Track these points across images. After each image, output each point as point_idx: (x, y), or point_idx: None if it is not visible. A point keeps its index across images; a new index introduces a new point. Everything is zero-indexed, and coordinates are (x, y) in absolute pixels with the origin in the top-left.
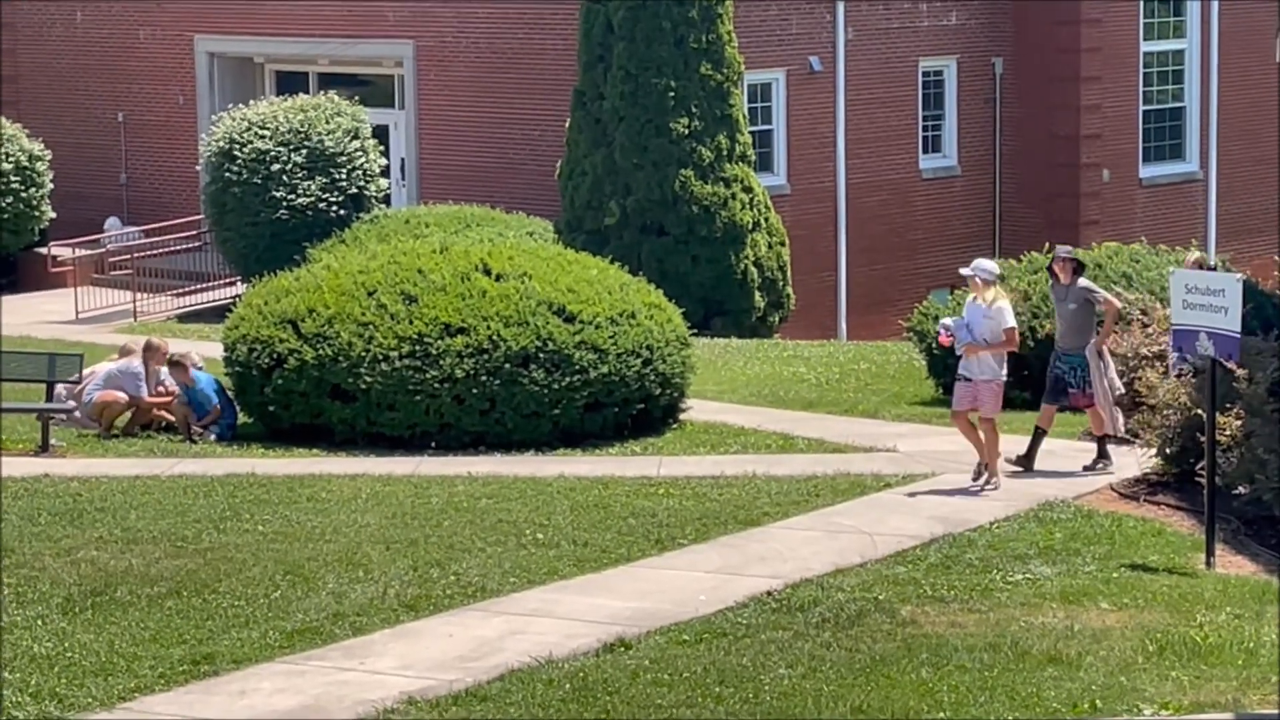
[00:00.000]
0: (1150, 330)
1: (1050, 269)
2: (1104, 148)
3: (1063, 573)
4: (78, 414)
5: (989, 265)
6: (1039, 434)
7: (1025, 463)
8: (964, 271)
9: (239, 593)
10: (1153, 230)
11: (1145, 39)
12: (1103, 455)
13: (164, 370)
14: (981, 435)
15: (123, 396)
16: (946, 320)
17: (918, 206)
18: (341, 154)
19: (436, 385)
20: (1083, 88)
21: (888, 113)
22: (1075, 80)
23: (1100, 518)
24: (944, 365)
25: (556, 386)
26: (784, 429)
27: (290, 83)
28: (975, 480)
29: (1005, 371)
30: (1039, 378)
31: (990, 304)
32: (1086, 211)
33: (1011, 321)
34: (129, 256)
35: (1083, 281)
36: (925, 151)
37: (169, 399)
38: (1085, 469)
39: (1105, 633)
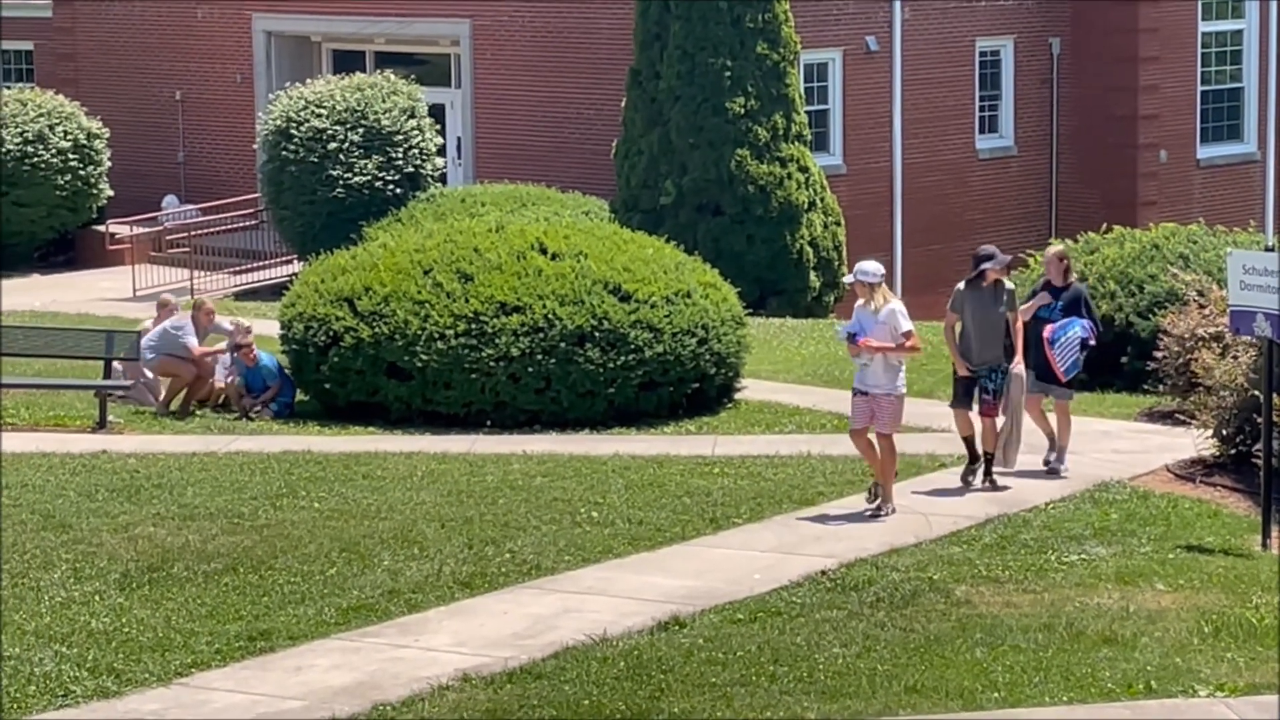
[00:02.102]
0: (1207, 311)
1: (981, 273)
2: (1162, 128)
3: (1118, 554)
4: (144, 375)
5: (870, 267)
6: (969, 443)
7: (987, 476)
8: (845, 278)
9: (295, 569)
10: (1210, 211)
11: (1204, 19)
12: (988, 473)
13: (212, 330)
14: (878, 451)
15: (187, 369)
16: (839, 326)
17: (974, 187)
18: (398, 133)
19: (492, 364)
20: (1141, 68)
21: (944, 93)
22: (1133, 60)
23: (1156, 499)
24: None
25: (612, 365)
26: (839, 409)
27: (347, 61)
28: (870, 501)
29: (904, 384)
30: (1096, 358)
31: (880, 308)
32: (1144, 192)
33: (907, 324)
34: (186, 234)
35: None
36: (982, 132)
37: (217, 351)
38: (962, 479)
39: (1160, 614)
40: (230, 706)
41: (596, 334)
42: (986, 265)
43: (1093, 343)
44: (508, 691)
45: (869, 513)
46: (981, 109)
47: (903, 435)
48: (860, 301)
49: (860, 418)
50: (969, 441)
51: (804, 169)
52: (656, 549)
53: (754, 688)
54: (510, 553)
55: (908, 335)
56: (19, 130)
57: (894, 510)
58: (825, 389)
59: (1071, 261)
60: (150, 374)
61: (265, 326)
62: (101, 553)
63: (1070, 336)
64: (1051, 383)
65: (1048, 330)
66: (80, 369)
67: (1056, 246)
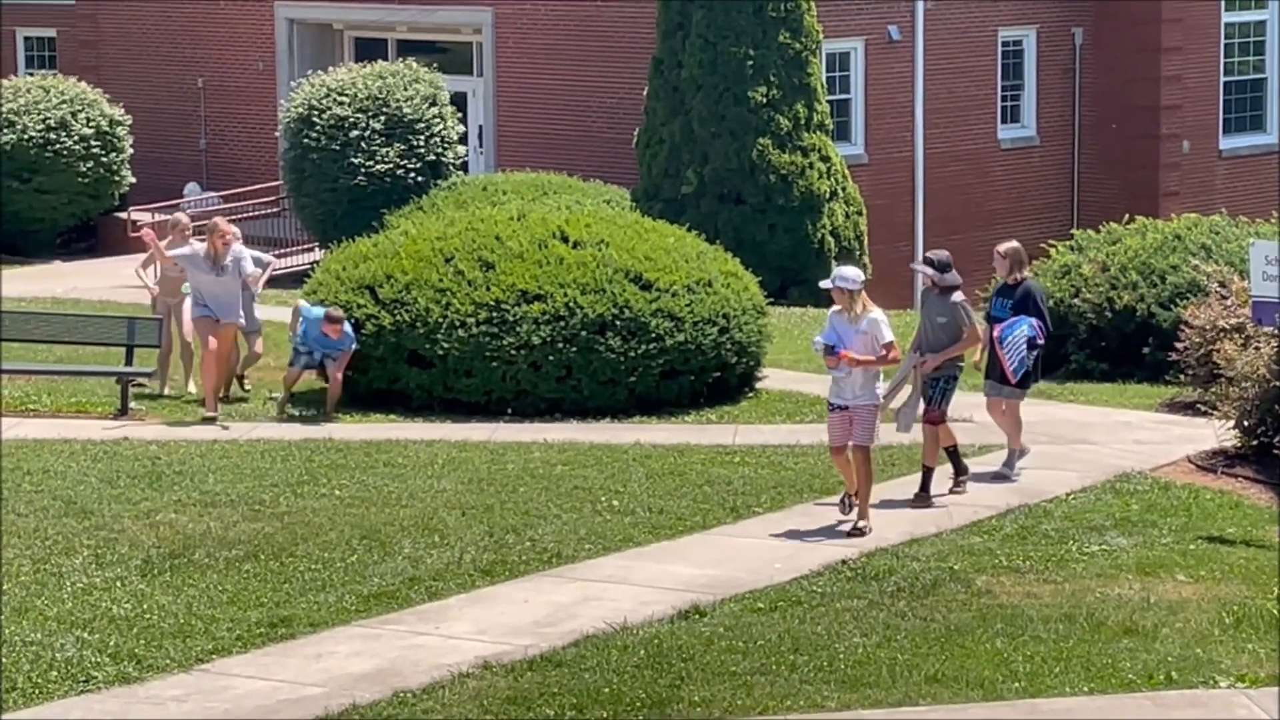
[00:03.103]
0: (1229, 302)
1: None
2: (1184, 119)
3: (1139, 544)
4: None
5: (850, 273)
6: (952, 455)
7: (922, 498)
8: (823, 284)
9: (316, 557)
10: (1232, 202)
11: (1226, 10)
12: (960, 470)
13: (229, 256)
14: (854, 465)
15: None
16: (819, 338)
17: (996, 177)
18: (420, 121)
19: (513, 352)
20: (1163, 58)
21: (966, 82)
22: (1156, 51)
23: (1177, 490)
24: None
25: (633, 354)
26: None
27: (369, 49)
28: (845, 513)
29: (881, 391)
30: (1117, 349)
31: (860, 317)
32: (1166, 183)
33: (889, 335)
34: (207, 221)
35: (956, 297)
36: (1004, 122)
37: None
38: (952, 491)
39: (1181, 604)
40: (251, 693)
41: (618, 322)
42: (925, 270)
43: (1041, 341)
44: (528, 679)
45: (849, 528)
46: (1004, 99)
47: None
48: (837, 309)
49: (839, 435)
50: (951, 453)
51: (826, 158)
52: (677, 538)
53: (774, 676)
54: (531, 541)
55: (889, 346)
56: (41, 117)
57: (870, 529)
58: None
59: (1024, 258)
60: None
61: (286, 314)
62: (123, 539)
63: (1016, 336)
64: (1004, 383)
65: (996, 330)
66: (102, 355)
67: (1006, 243)
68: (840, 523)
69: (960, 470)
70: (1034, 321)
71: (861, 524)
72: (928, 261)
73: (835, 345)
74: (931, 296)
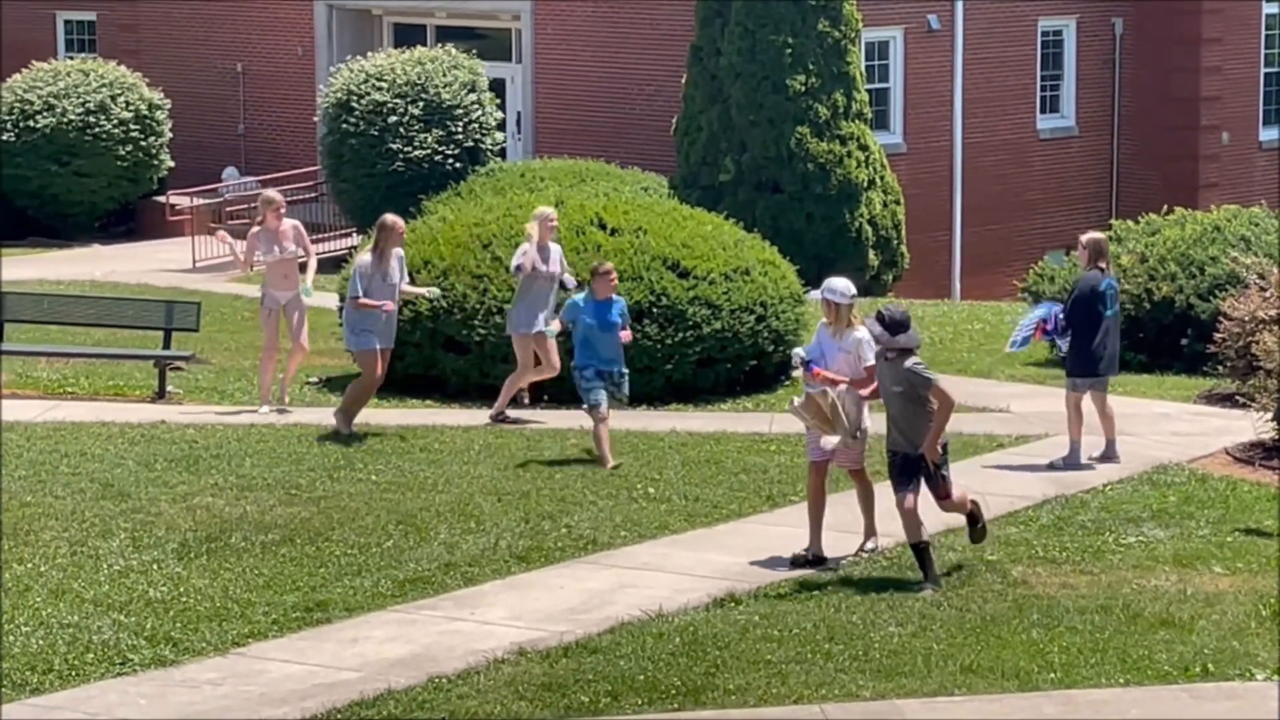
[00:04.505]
0: (1268, 294)
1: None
2: (1223, 110)
3: (1176, 536)
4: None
5: (840, 285)
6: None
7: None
8: (812, 294)
9: (352, 541)
10: (1272, 193)
11: (1267, 1)
12: (977, 533)
13: (394, 259)
14: (855, 486)
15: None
16: (800, 350)
17: (1034, 167)
18: (458, 107)
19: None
20: (1203, 49)
21: (1005, 72)
22: (1196, 42)
23: (1214, 481)
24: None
25: (670, 341)
26: None
27: (408, 35)
28: (796, 567)
29: (868, 420)
30: (1155, 340)
31: (845, 334)
32: (1205, 174)
33: (872, 359)
34: (246, 206)
35: (910, 361)
36: (1043, 111)
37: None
38: (972, 539)
39: (1218, 597)
40: (286, 677)
41: (655, 310)
42: (872, 329)
43: (1050, 328)
44: (563, 665)
45: (851, 557)
46: (1043, 89)
47: (960, 415)
48: (824, 321)
49: (817, 449)
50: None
51: (864, 147)
52: (713, 525)
53: (809, 665)
54: (566, 527)
55: (870, 370)
56: (81, 101)
57: (879, 546)
58: None
59: (1102, 249)
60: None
61: (324, 299)
62: (160, 522)
63: (1031, 316)
64: (1068, 374)
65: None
66: (140, 339)
67: (1088, 234)
68: (848, 556)
69: (977, 533)
70: (1056, 309)
71: (869, 544)
72: (879, 318)
73: (813, 361)
74: (883, 361)
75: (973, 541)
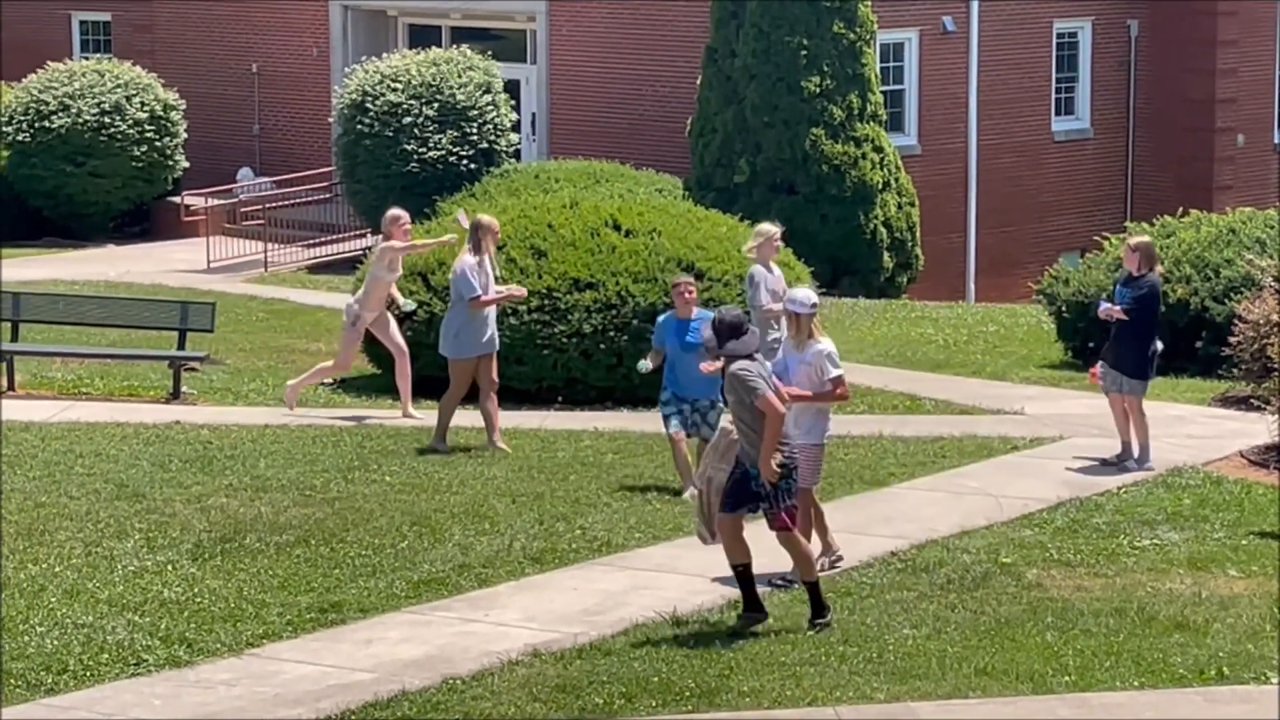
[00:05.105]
0: None
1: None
2: (1239, 112)
3: (1191, 539)
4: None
5: (801, 295)
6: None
7: (753, 611)
8: (773, 306)
9: (366, 542)
10: None
11: None
12: (818, 610)
13: (488, 260)
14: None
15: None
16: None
17: (1049, 169)
18: (473, 108)
19: (564, 340)
20: (1219, 51)
21: (1020, 74)
22: (1211, 44)
23: (1229, 484)
24: (1074, 328)
25: None
26: (911, 390)
27: (423, 36)
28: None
29: (829, 430)
30: (1170, 343)
31: (806, 346)
32: (1220, 176)
33: (836, 370)
34: (260, 207)
35: (736, 367)
36: (1057, 114)
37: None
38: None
39: (1233, 600)
40: (301, 678)
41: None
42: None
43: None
44: (577, 667)
45: (828, 563)
46: (1058, 91)
47: (975, 417)
48: (788, 333)
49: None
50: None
51: (879, 149)
52: None
53: (823, 667)
54: (581, 529)
55: (836, 382)
56: (96, 101)
57: (842, 557)
58: (898, 369)
59: (1154, 253)
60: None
61: (338, 300)
62: (174, 523)
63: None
64: (1123, 374)
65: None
66: (154, 339)
67: (1137, 238)
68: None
69: (818, 610)
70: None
71: (830, 558)
72: (712, 323)
73: (776, 374)
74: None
75: (809, 627)
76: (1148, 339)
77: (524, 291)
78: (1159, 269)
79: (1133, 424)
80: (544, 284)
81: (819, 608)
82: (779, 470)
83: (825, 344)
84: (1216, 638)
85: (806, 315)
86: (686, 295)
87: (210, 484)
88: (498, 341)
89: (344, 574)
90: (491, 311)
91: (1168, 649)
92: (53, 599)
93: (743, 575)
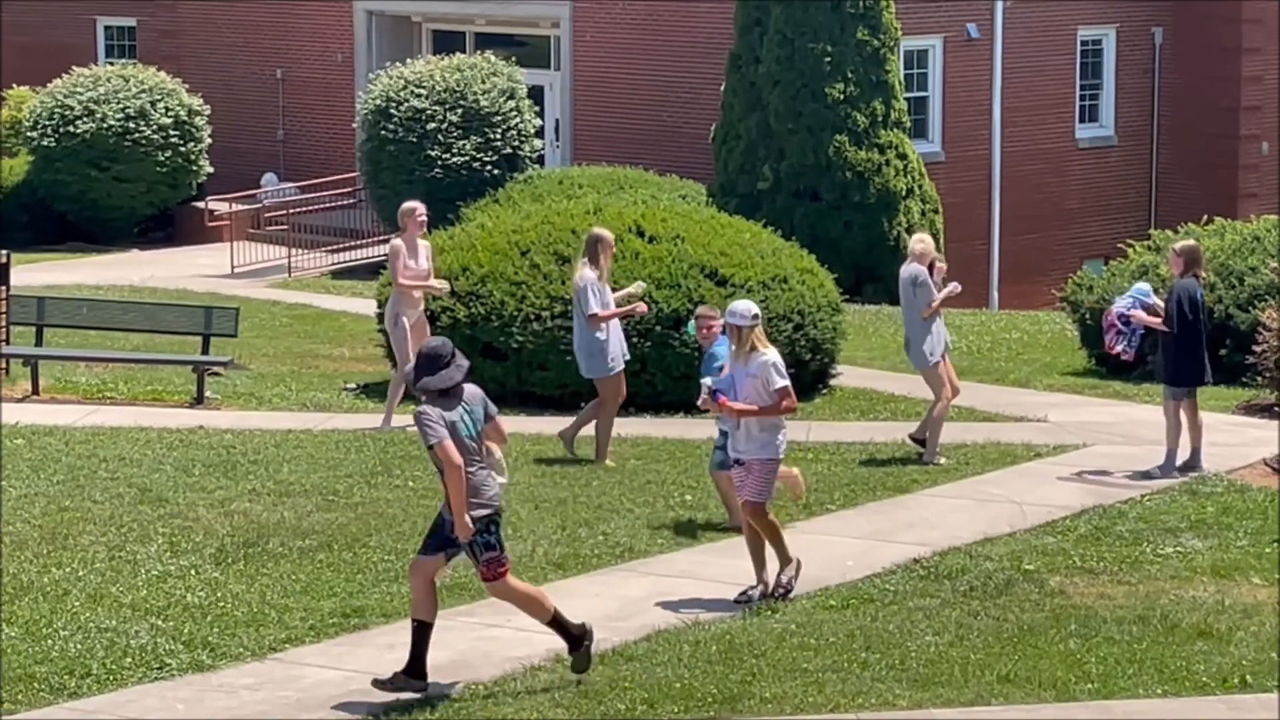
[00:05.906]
0: None
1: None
2: (1264, 120)
3: (1214, 546)
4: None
5: (741, 307)
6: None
7: (412, 676)
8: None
9: (389, 547)
10: None
11: None
12: (574, 642)
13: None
14: (756, 528)
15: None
16: (707, 380)
17: (1073, 176)
18: (497, 114)
19: None
20: (1244, 59)
21: (1045, 81)
22: (1236, 51)
23: (1253, 492)
24: (1097, 336)
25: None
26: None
27: (447, 42)
28: (773, 582)
29: (783, 445)
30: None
31: (750, 358)
32: (1245, 184)
33: (782, 380)
34: (284, 212)
35: (768, 356)
36: (1082, 121)
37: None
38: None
39: (1256, 608)
40: (323, 682)
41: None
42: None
43: (1126, 314)
44: (599, 673)
45: (769, 589)
46: (1082, 98)
47: (997, 424)
48: (733, 348)
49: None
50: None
51: (902, 156)
52: None
53: (846, 674)
54: (603, 535)
55: (782, 393)
56: (121, 106)
57: (794, 582)
58: (920, 377)
59: (1198, 256)
60: None
61: (361, 305)
62: (198, 527)
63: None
64: (1165, 383)
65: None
66: (178, 344)
67: (1182, 242)
68: (750, 588)
69: (574, 643)
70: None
71: (784, 577)
72: (417, 353)
73: (720, 389)
74: None
75: (573, 670)
76: (1188, 344)
77: (645, 308)
78: (1202, 274)
79: (1186, 428)
80: (567, 290)
81: (572, 640)
82: (471, 528)
83: (770, 354)
84: (1240, 646)
85: (747, 327)
86: (704, 331)
87: (233, 488)
88: (628, 351)
89: (366, 579)
90: (617, 322)
91: (1191, 657)
92: (76, 603)
93: (417, 632)
